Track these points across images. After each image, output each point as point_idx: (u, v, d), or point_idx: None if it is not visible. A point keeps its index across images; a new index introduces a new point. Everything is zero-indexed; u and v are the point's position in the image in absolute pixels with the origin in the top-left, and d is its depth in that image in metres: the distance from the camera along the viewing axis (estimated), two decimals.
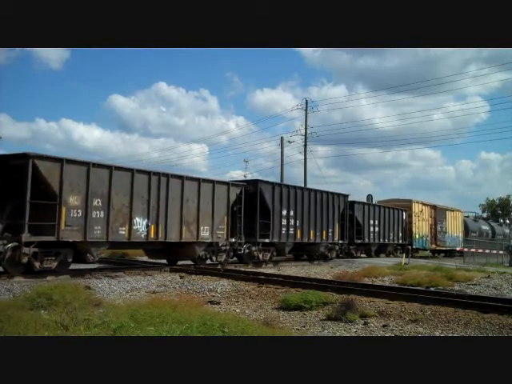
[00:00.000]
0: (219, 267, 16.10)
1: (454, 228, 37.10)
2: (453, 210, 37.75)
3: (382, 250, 28.64)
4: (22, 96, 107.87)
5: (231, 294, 11.19)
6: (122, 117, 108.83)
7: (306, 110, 37.68)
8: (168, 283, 12.58)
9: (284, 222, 20.36)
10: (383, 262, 22.74)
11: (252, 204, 18.67)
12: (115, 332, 5.42)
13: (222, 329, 5.66)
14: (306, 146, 37.21)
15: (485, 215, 67.00)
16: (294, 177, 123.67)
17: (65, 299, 7.54)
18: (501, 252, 29.94)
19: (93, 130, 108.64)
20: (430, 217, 33.62)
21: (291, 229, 20.80)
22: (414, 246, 30.53)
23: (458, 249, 36.36)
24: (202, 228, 16.31)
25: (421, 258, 30.83)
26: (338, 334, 7.35)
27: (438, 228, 34.52)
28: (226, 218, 17.43)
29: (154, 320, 5.94)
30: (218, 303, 9.83)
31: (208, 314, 6.62)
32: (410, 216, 30.83)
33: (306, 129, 37.39)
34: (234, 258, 18.99)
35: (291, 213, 20.75)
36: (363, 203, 26.96)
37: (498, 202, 79.48)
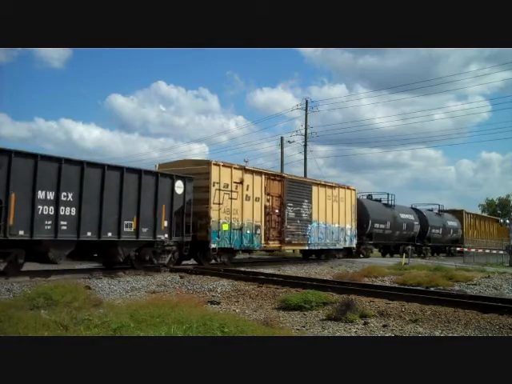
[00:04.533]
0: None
1: (332, 215, 22.93)
2: (332, 186, 23.17)
3: (91, 251, 14.11)
4: (20, 95, 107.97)
5: (231, 293, 11.19)
6: (121, 116, 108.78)
7: (306, 110, 37.71)
8: (168, 283, 12.58)
9: None
10: (383, 261, 22.72)
11: None
12: (115, 332, 5.42)
13: (222, 329, 5.65)
14: (306, 145, 37.23)
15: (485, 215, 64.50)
16: None
17: (65, 299, 7.55)
18: (501, 252, 29.93)
19: (92, 129, 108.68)
20: (268, 194, 19.06)
21: None
22: (212, 245, 16.43)
23: (347, 246, 24.08)
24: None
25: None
26: (338, 334, 7.34)
27: (290, 213, 20.20)
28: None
29: (153, 320, 5.94)
30: (218, 303, 9.82)
31: (208, 313, 6.62)
32: (205, 190, 16.34)
33: (306, 129, 37.41)
34: None
35: None
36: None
37: (497, 201, 79.35)
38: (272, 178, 19.68)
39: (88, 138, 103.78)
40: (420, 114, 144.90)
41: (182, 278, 13.51)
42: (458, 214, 38.03)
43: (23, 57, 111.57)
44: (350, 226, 24.47)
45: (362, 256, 25.79)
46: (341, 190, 23.86)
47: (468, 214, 39.56)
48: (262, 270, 16.94)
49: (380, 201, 29.53)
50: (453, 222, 36.45)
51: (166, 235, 15.05)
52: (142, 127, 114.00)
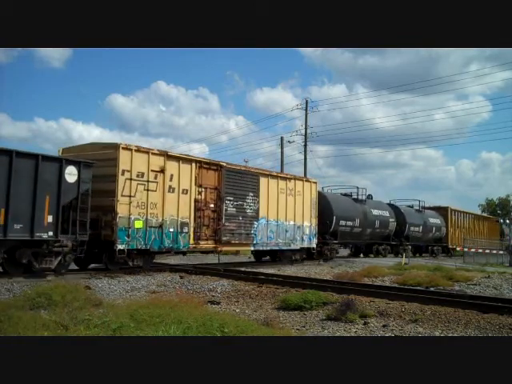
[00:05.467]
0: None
1: (287, 211, 19.91)
2: (286, 178, 20.28)
3: None
4: (20, 95, 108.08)
5: (231, 293, 11.19)
6: (121, 116, 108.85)
7: (306, 109, 37.72)
8: (168, 283, 12.59)
9: None
10: (383, 261, 22.70)
11: None
12: (115, 332, 5.41)
13: (222, 329, 5.65)
14: (306, 145, 37.24)
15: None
16: None
17: (65, 299, 7.55)
18: (501, 252, 29.92)
19: (92, 129, 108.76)
20: (200, 186, 16.26)
21: None
22: (119, 246, 13.64)
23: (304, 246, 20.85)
24: None
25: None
26: (337, 334, 7.34)
27: (229, 209, 17.39)
28: None
29: (153, 320, 5.94)
30: (218, 303, 9.83)
31: (208, 313, 6.61)
32: (112, 180, 13.67)
33: (306, 129, 37.44)
34: None
35: None
36: None
37: (497, 201, 79.26)
38: (205, 166, 16.46)
39: (88, 138, 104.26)
40: (420, 113, 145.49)
41: (182, 278, 13.53)
42: (442, 210, 35.05)
43: (23, 57, 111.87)
44: (310, 223, 21.27)
45: (325, 257, 22.55)
46: (298, 182, 20.65)
47: (454, 211, 36.68)
48: (262, 270, 16.95)
49: (351, 195, 26.51)
50: (435, 220, 33.18)
51: (51, 233, 11.90)
52: (141, 127, 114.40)
